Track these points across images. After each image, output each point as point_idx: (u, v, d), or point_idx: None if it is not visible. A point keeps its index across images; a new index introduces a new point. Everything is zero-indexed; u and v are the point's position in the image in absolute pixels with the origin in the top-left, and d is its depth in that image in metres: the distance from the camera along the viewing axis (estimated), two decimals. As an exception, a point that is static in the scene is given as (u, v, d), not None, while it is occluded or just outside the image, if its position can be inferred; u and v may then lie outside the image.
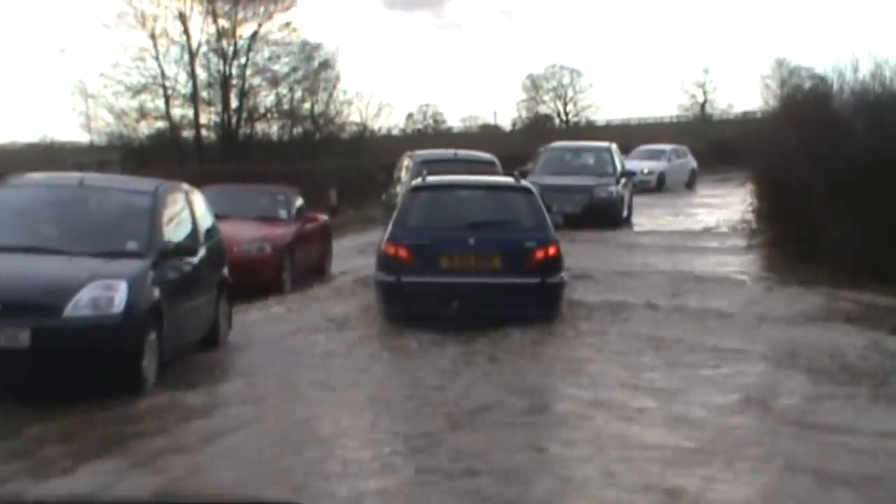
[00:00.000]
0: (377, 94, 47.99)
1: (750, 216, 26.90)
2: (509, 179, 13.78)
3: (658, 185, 37.17)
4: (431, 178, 13.33)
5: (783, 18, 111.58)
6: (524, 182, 13.49)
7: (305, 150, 42.60)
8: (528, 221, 12.55)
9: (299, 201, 18.27)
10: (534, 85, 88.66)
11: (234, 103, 43.82)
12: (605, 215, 24.20)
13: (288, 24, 44.37)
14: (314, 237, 18.09)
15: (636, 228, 25.24)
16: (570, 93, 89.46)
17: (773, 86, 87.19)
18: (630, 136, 54.20)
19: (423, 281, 12.08)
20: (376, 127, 48.03)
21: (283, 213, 17.61)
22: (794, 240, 18.41)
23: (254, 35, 43.71)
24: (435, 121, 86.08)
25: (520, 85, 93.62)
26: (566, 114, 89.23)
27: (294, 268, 16.76)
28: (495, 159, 20.22)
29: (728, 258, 19.45)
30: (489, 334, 11.79)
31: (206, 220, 12.14)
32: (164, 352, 10.05)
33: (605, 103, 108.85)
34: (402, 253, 12.23)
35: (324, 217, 19.27)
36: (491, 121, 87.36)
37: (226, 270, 12.50)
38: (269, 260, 16.17)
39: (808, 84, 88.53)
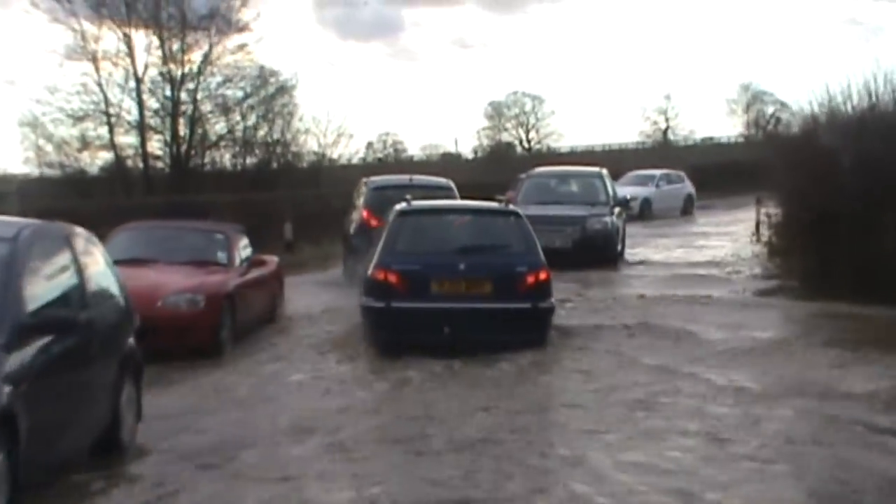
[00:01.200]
0: (335, 121, 43.35)
1: (756, 248, 23.66)
2: (496, 204, 13.28)
3: (641, 213, 34.65)
4: (417, 203, 13.00)
5: (744, 44, 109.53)
6: (511, 206, 13.09)
7: (261, 180, 38.96)
8: (517, 246, 12.34)
9: (244, 241, 14.68)
10: (496, 112, 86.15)
11: (183, 131, 40.07)
12: (600, 250, 20.75)
13: (241, 47, 40.75)
14: (262, 284, 14.51)
15: (636, 264, 21.73)
16: (532, 120, 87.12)
17: (738, 110, 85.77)
18: (595, 163, 51.10)
19: (413, 307, 11.76)
20: (335, 155, 44.27)
21: (222, 256, 14.00)
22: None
23: (204, 58, 40.04)
24: (395, 150, 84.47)
25: (481, 112, 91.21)
26: (528, 141, 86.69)
27: (235, 324, 13.15)
28: (452, 184, 19.34)
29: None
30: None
31: (101, 275, 8.59)
32: (25, 474, 6.48)
33: (567, 130, 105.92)
34: (392, 278, 11.86)
35: (273, 259, 15.63)
36: (452, 149, 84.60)
37: (132, 341, 8.90)
38: (203, 316, 12.56)
39: (770, 109, 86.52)
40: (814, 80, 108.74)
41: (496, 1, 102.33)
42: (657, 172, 38.60)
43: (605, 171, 22.70)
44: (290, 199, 27.53)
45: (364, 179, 20.02)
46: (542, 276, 12.07)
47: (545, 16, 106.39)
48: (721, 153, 70.61)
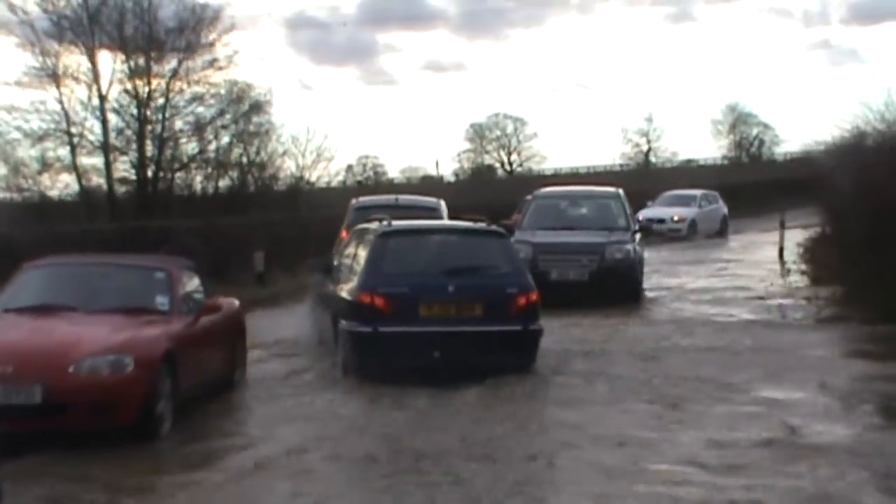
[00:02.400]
0: (314, 140, 39.61)
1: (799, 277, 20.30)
2: (480, 224, 12.62)
3: (689, 234, 32.99)
4: (399, 224, 12.35)
5: (724, 65, 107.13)
6: (494, 226, 12.45)
7: (235, 204, 35.36)
8: (505, 267, 11.87)
9: (193, 280, 11.11)
10: (477, 134, 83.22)
11: (151, 152, 36.51)
12: (621, 283, 17.31)
13: (213, 63, 37.22)
14: (216, 337, 10.94)
15: (657, 302, 18.19)
16: (513, 142, 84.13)
17: (724, 131, 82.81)
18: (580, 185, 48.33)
19: (402, 331, 11.19)
20: (314, 177, 40.48)
21: (161, 301, 10.42)
22: None
23: (173, 74, 36.47)
24: (375, 172, 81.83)
25: (461, 135, 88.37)
26: (510, 163, 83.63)
27: (178, 393, 9.63)
28: (441, 204, 18.17)
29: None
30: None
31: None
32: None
33: (549, 153, 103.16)
34: (379, 301, 11.27)
35: (232, 303, 11.99)
36: (433, 172, 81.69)
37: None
38: (132, 385, 9.04)
39: (754, 131, 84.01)
40: (791, 102, 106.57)
41: (468, 25, 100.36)
42: (697, 192, 36.40)
43: (621, 192, 19.26)
44: (263, 225, 23.97)
45: (353, 200, 18.77)
46: (533, 297, 11.62)
47: (520, 40, 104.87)
48: (706, 175, 67.66)
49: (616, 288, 17.19)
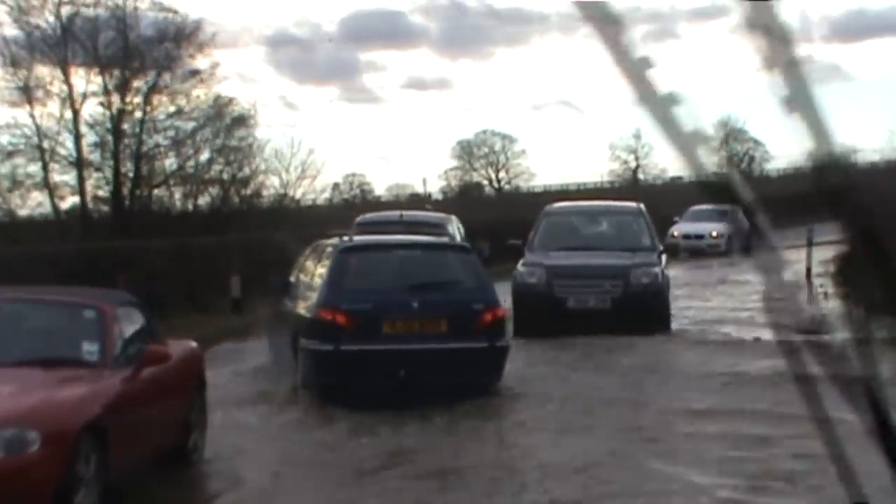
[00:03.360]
0: (299, 155, 36.70)
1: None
2: (444, 238, 12.52)
3: (727, 251, 31.34)
4: (360, 238, 12.20)
5: (712, 82, 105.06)
6: (459, 241, 11.84)
7: (215, 223, 32.68)
8: (470, 282, 11.25)
9: (134, 319, 8.43)
10: (464, 152, 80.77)
11: (128, 168, 33.91)
12: (647, 312, 14.73)
13: (194, 74, 34.64)
14: (164, 392, 8.24)
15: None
16: (502, 159, 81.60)
17: (715, 147, 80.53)
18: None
19: (365, 349, 10.54)
20: (298, 194, 37.61)
21: (89, 350, 7.73)
22: None
23: (152, 87, 33.88)
24: (362, 191, 79.38)
25: (449, 153, 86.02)
26: (499, 181, 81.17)
27: (108, 473, 6.99)
28: (448, 221, 17.38)
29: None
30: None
31: None
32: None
33: (538, 170, 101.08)
34: (341, 319, 10.67)
35: (187, 346, 9.29)
36: (420, 189, 79.32)
37: None
38: (36, 470, 6.41)
39: (743, 147, 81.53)
40: (778, 118, 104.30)
41: (450, 44, 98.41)
42: (727, 207, 33.86)
43: (643, 207, 16.68)
44: (241, 245, 21.32)
45: (357, 218, 17.94)
46: (500, 313, 11.19)
47: (503, 59, 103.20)
48: (697, 192, 65.18)
49: (642, 317, 14.64)
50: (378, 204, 71.14)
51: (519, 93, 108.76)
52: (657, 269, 15.09)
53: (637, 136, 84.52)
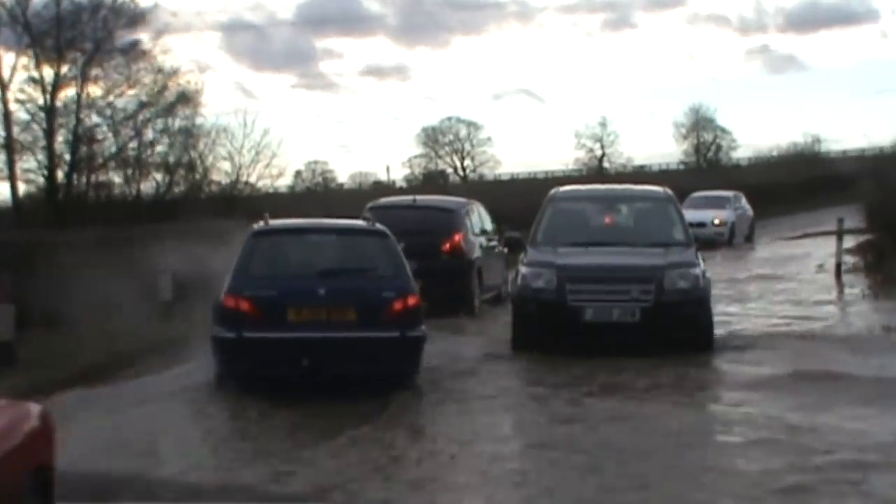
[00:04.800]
0: (252, 135, 32.27)
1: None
2: (362, 223, 11.37)
3: (730, 239, 29.29)
4: (275, 222, 10.88)
5: (675, 72, 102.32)
6: (379, 225, 10.73)
7: (159, 210, 28.77)
8: (385, 269, 10.34)
9: None
10: (429, 139, 77.05)
11: (63, 149, 30.06)
12: (687, 326, 11.06)
13: (135, 45, 30.72)
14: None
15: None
16: (467, 147, 78.04)
17: (685, 133, 77.32)
18: (539, 191, 42.65)
19: (268, 336, 9.76)
20: (253, 178, 33.18)
21: None
22: None
23: (88, 59, 29.92)
24: (324, 178, 75.73)
25: (411, 141, 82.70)
26: (464, 168, 77.62)
27: None
28: (465, 207, 16.05)
29: None
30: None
31: None
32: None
33: (503, 158, 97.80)
34: (244, 305, 9.90)
35: (23, 414, 5.31)
36: (384, 177, 75.80)
37: None
38: None
39: (711, 136, 78.57)
40: (741, 107, 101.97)
41: (407, 31, 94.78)
42: (728, 194, 31.46)
43: (671, 193, 12.90)
44: (175, 235, 17.43)
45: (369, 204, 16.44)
46: (411, 301, 10.01)
47: (461, 47, 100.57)
48: (666, 180, 61.95)
49: (680, 332, 10.97)
50: (341, 192, 67.70)
51: (478, 81, 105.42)
52: (698, 270, 11.35)
53: (603, 125, 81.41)
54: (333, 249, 10.87)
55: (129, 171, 30.28)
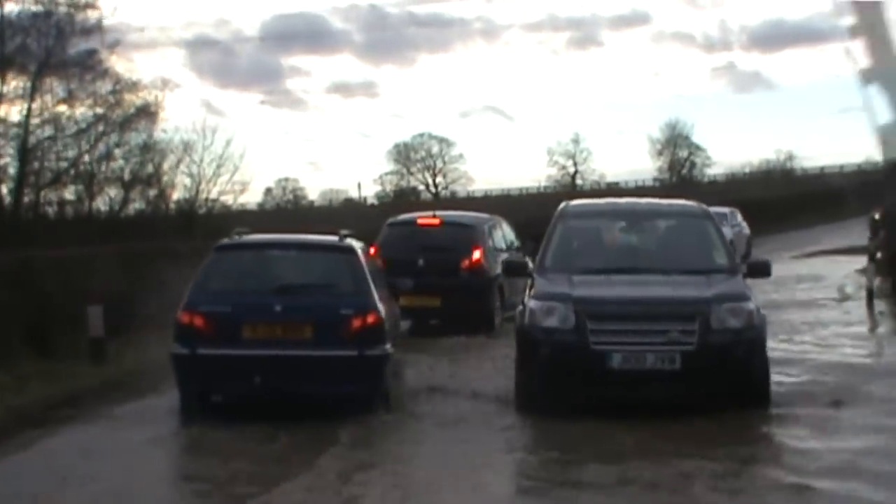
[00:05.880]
0: (213, 147, 29.19)
1: None
2: (331, 238, 10.68)
3: None
4: (243, 238, 10.73)
5: (645, 90, 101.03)
6: (348, 241, 10.38)
7: (113, 230, 26.07)
8: (345, 286, 10.05)
9: None
10: (401, 155, 74.82)
11: (9, 162, 27.44)
12: (739, 375, 8.61)
13: (92, 54, 28.12)
14: None
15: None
16: (439, 163, 75.91)
17: (660, 149, 75.34)
18: (515, 209, 40.77)
19: (221, 353, 9.56)
20: (214, 195, 30.07)
21: None
22: None
23: (40, 67, 27.28)
24: (295, 196, 73.68)
25: (383, 157, 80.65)
26: (436, 185, 75.45)
27: None
28: (488, 223, 15.66)
29: None
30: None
31: None
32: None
33: (476, 175, 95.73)
34: (198, 321, 9.71)
35: None
36: (355, 195, 74.09)
37: None
38: None
39: (685, 153, 76.64)
40: (713, 124, 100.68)
41: (373, 50, 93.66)
42: (725, 210, 29.46)
43: (707, 210, 10.37)
44: (110, 259, 14.83)
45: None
46: (371, 319, 9.66)
47: (427, 65, 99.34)
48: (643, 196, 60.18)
49: (728, 386, 8.53)
50: (311, 209, 65.36)
51: (446, 99, 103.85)
52: (751, 305, 8.92)
53: (576, 141, 79.71)
54: (294, 265, 10.51)
55: (82, 188, 27.58)
